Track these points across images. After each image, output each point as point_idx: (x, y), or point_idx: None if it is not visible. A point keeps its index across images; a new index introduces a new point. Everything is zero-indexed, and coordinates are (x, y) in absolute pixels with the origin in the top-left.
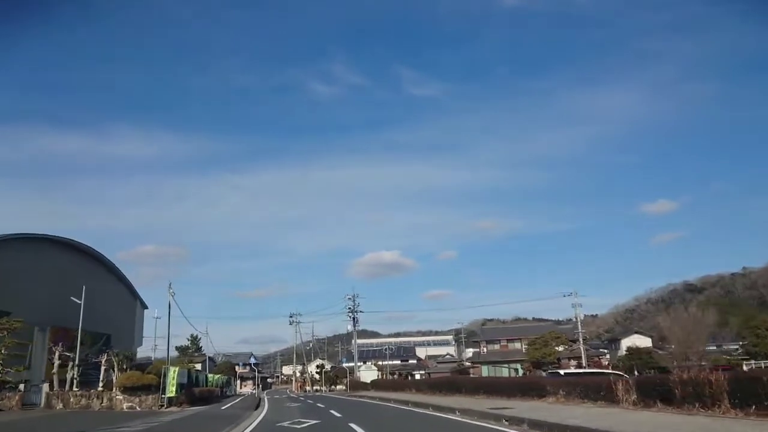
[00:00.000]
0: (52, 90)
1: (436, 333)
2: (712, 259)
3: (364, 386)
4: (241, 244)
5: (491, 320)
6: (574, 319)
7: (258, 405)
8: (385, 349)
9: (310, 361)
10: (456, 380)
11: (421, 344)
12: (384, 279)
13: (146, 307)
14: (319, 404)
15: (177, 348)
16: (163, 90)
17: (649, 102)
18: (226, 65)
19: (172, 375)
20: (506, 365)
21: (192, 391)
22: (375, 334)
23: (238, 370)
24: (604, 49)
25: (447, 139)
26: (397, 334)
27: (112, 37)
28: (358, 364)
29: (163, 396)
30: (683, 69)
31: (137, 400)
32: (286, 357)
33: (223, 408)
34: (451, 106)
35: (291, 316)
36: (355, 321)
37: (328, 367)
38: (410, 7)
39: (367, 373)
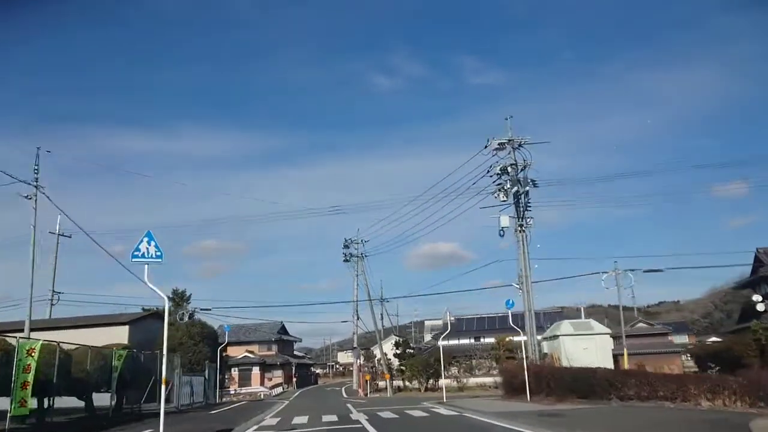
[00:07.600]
0: (123, 91)
1: None
2: None
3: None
4: (298, 237)
5: (563, 308)
6: None
7: None
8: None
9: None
10: None
11: None
12: (441, 270)
13: None
14: None
15: (145, 309)
16: (227, 88)
17: (728, 81)
18: (287, 62)
19: None
20: None
21: None
22: None
23: (255, 351)
24: (678, 28)
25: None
26: None
27: (178, 38)
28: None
29: None
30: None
31: None
32: (346, 346)
33: None
34: (514, 94)
35: (346, 246)
36: (520, 200)
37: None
38: None
39: (582, 343)
